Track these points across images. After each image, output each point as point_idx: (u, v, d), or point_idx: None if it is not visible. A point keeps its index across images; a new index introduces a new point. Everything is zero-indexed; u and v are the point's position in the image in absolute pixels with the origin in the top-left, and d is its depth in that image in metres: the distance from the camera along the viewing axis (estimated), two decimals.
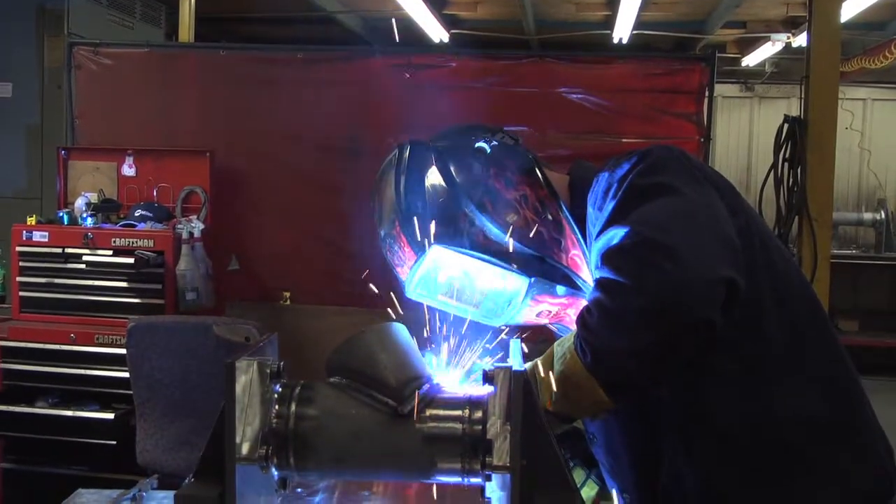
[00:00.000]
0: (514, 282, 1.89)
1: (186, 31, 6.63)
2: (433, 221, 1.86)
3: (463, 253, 1.86)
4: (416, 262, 1.88)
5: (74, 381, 4.91)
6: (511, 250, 1.87)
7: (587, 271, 1.94)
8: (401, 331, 1.70)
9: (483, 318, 1.93)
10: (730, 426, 1.80)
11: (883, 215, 10.46)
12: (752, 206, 1.94)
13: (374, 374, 1.59)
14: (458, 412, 1.55)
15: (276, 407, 1.57)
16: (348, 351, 1.64)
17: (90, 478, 4.49)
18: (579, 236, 1.96)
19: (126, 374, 4.28)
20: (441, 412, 1.56)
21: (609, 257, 1.70)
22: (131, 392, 4.20)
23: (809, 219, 5.11)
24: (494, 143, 1.98)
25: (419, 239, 1.86)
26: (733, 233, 1.75)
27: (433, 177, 1.92)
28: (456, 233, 1.86)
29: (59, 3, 6.88)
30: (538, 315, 1.96)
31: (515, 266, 1.87)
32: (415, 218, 1.87)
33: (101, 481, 4.21)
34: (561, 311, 1.95)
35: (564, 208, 1.96)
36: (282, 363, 1.61)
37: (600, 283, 1.70)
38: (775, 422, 1.80)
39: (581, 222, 1.97)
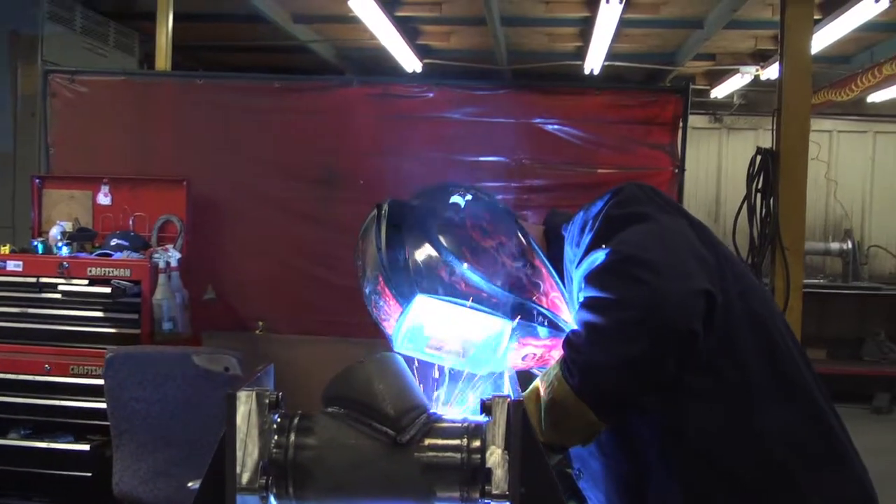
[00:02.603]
0: (497, 326, 1.92)
1: (163, 59, 6.61)
2: (415, 272, 1.91)
3: (446, 301, 1.89)
4: (401, 313, 1.91)
5: (48, 412, 4.86)
6: (492, 296, 1.91)
7: (568, 313, 1.99)
8: (397, 361, 1.71)
9: (471, 367, 1.96)
10: (713, 447, 1.84)
11: (850, 245, 10.59)
12: (721, 241, 2.00)
13: (372, 404, 1.60)
14: (457, 441, 1.57)
15: (276, 437, 1.58)
16: (346, 381, 1.65)
17: None
18: (557, 280, 2.02)
19: (101, 405, 4.24)
20: (440, 441, 1.58)
21: (592, 278, 1.77)
22: (106, 423, 4.15)
23: (782, 248, 5.18)
24: (469, 197, 2.04)
25: (403, 291, 1.90)
26: (707, 254, 1.81)
27: (412, 231, 1.97)
28: (438, 283, 1.90)
29: (34, 30, 6.86)
30: (524, 359, 1.99)
31: (498, 310, 1.91)
32: (398, 271, 1.92)
33: None
34: (545, 353, 1.99)
35: (541, 253, 2.03)
36: (280, 393, 1.61)
37: (585, 303, 1.75)
38: (757, 441, 1.84)
39: (559, 267, 2.03)
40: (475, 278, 1.91)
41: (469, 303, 1.90)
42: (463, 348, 1.95)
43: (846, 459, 1.91)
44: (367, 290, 2.00)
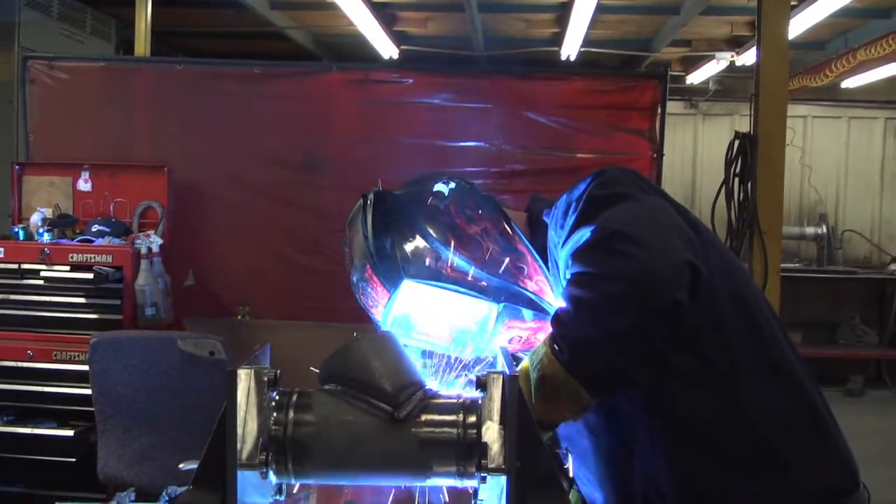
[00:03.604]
0: (484, 309, 1.96)
1: (142, 44, 6.59)
2: (402, 258, 1.96)
3: (432, 285, 1.94)
4: (389, 299, 1.95)
5: (32, 398, 4.86)
6: (478, 280, 1.95)
7: (552, 295, 2.03)
8: (393, 339, 1.75)
9: (458, 351, 2.00)
10: (699, 426, 1.88)
11: (824, 229, 10.70)
12: (702, 222, 2.04)
13: (369, 380, 1.63)
14: (453, 417, 1.60)
15: (275, 414, 1.60)
16: (343, 359, 1.68)
17: (49, 496, 4.43)
18: (541, 263, 2.07)
19: (84, 391, 4.25)
20: (436, 417, 1.61)
21: (578, 255, 1.81)
22: (89, 408, 4.16)
23: (760, 232, 5.23)
24: (452, 185, 2.10)
25: (390, 277, 1.94)
26: (690, 231, 1.86)
27: (398, 219, 2.02)
28: (424, 268, 1.95)
29: (10, 16, 6.80)
30: (510, 342, 2.03)
31: (484, 294, 1.95)
32: (385, 258, 1.96)
33: (59, 499, 4.17)
34: (531, 335, 2.02)
35: (524, 237, 2.08)
36: (278, 371, 1.64)
37: (572, 280, 1.78)
38: (743, 419, 1.88)
39: (542, 252, 2.08)
40: (461, 263, 1.95)
41: (455, 287, 1.94)
42: (450, 332, 1.99)
43: (830, 437, 1.96)
44: (354, 279, 2.04)
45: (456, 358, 1.97)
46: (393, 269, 1.95)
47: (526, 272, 2.04)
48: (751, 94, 5.47)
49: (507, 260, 2.01)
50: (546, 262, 2.07)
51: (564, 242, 1.91)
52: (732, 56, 9.53)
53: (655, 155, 5.53)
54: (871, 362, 10.71)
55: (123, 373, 3.96)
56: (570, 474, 1.74)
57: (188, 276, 5.59)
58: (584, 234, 1.82)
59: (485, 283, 1.95)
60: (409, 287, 1.93)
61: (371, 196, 2.04)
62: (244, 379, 1.57)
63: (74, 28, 7.59)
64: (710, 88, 11.26)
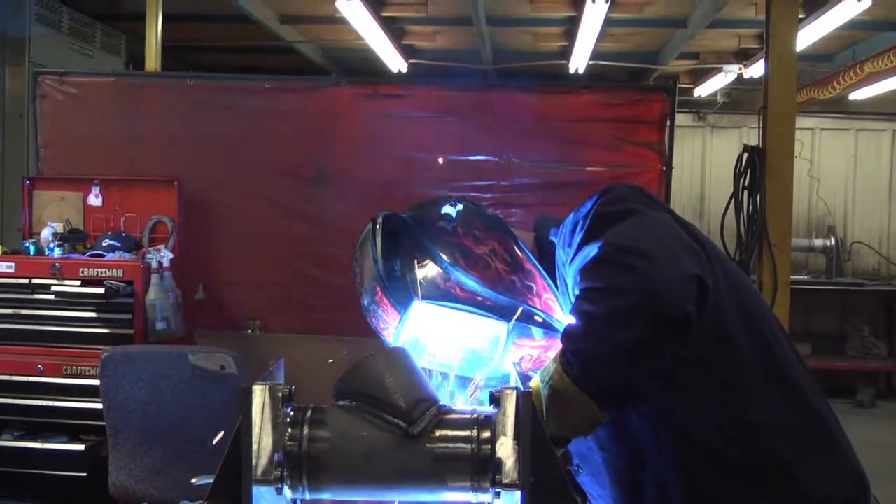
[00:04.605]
0: (494, 328, 1.98)
1: (152, 60, 6.62)
2: (411, 280, 1.98)
3: (442, 305, 1.95)
4: (400, 320, 1.96)
5: (42, 413, 4.88)
6: (487, 299, 1.96)
7: (561, 314, 2.04)
8: (407, 355, 1.75)
9: (469, 371, 2.01)
10: (707, 439, 1.88)
11: (833, 241, 10.68)
12: (709, 239, 2.05)
13: (383, 396, 1.63)
14: (467, 432, 1.60)
15: (289, 430, 1.61)
16: (357, 375, 1.68)
17: None
18: (550, 282, 2.08)
19: (95, 405, 4.25)
20: (450, 432, 1.61)
21: (586, 270, 1.81)
22: (100, 423, 4.16)
23: (769, 245, 5.24)
24: (460, 207, 2.11)
25: (400, 299, 1.96)
26: (696, 246, 1.86)
27: (407, 241, 2.05)
28: (434, 289, 1.96)
29: (21, 31, 6.85)
30: (520, 360, 2.03)
31: (493, 313, 1.96)
32: (395, 280, 1.99)
33: None
34: (541, 354, 2.03)
35: (532, 257, 2.10)
36: (293, 387, 1.65)
37: (581, 296, 1.79)
38: (751, 432, 1.88)
39: (551, 271, 2.09)
40: (470, 283, 1.96)
41: (465, 307, 1.95)
42: (461, 353, 2.00)
43: (839, 449, 1.95)
44: (365, 302, 2.06)
45: (468, 378, 1.98)
46: (403, 291, 1.96)
47: (535, 291, 2.05)
48: (759, 106, 5.48)
49: (515, 279, 2.03)
50: (555, 281, 2.08)
51: (572, 260, 1.92)
52: (740, 69, 9.55)
53: (664, 168, 5.53)
54: (881, 374, 10.68)
55: (134, 387, 3.97)
56: (583, 489, 1.74)
57: (198, 290, 5.60)
58: (592, 250, 1.83)
59: (494, 303, 1.97)
60: (419, 308, 1.94)
61: (380, 219, 2.07)
62: (259, 395, 1.58)
63: (84, 43, 7.64)
64: (719, 101, 11.28)
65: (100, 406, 4.10)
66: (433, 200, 2.18)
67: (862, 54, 8.79)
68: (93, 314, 4.95)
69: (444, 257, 1.99)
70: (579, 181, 5.47)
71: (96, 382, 4.11)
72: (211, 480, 1.57)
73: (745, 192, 5.50)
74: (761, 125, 5.38)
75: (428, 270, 1.99)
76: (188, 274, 5.40)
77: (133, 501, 4.05)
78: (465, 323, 1.96)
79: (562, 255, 2.02)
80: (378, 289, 1.98)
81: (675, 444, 1.89)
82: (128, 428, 4.03)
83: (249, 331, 5.49)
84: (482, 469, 1.57)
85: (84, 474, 4.67)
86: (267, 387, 1.60)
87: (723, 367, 1.89)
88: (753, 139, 5.65)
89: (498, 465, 1.56)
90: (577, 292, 1.82)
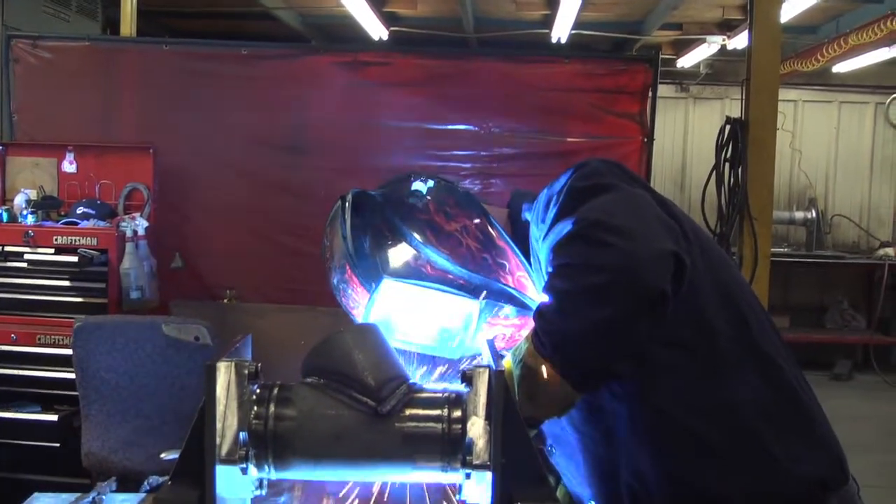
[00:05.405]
0: (465, 306, 1.94)
1: (128, 24, 6.52)
2: (381, 258, 1.95)
3: (412, 284, 1.92)
4: (369, 299, 1.92)
5: (15, 382, 4.84)
6: (458, 277, 1.93)
7: (534, 291, 2.01)
8: (376, 331, 1.71)
9: (442, 352, 1.98)
10: (682, 417, 1.85)
11: (813, 214, 10.71)
12: (686, 215, 2.01)
13: (352, 374, 1.59)
14: (438, 411, 1.56)
15: (255, 408, 1.56)
16: (325, 352, 1.64)
17: (33, 481, 4.39)
18: (523, 259, 2.04)
19: (69, 375, 4.22)
20: (420, 411, 1.57)
21: (559, 247, 1.76)
22: (74, 393, 4.13)
23: (750, 218, 5.22)
24: (430, 183, 2.09)
25: (370, 277, 1.92)
26: (672, 223, 1.82)
27: (377, 219, 2.02)
28: (404, 267, 1.94)
29: None
30: (493, 340, 1.99)
31: (465, 291, 1.93)
32: (364, 258, 1.95)
33: (43, 485, 4.13)
34: (515, 332, 2.00)
35: (505, 234, 2.06)
36: (259, 364, 1.60)
37: (554, 273, 1.75)
38: (727, 410, 1.85)
39: (525, 248, 2.05)
40: (441, 261, 1.93)
41: (435, 285, 1.91)
42: (433, 332, 1.96)
43: (815, 428, 1.93)
44: (335, 281, 2.02)
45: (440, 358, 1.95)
46: (372, 269, 1.93)
47: (507, 268, 2.02)
48: (742, 78, 5.44)
49: (487, 256, 2.00)
50: (528, 258, 2.04)
51: (546, 236, 1.87)
52: (724, 40, 9.50)
53: (646, 139, 5.50)
54: (859, 347, 10.72)
55: (107, 357, 3.93)
56: (556, 470, 1.71)
57: (175, 258, 5.55)
58: (566, 226, 1.77)
59: (466, 281, 1.93)
60: (388, 286, 1.90)
61: (349, 197, 2.03)
62: (224, 372, 1.53)
63: (60, 7, 7.50)
64: (701, 72, 11.22)
65: (73, 376, 4.06)
66: (403, 177, 2.15)
67: (846, 26, 8.75)
68: (66, 283, 4.90)
69: (415, 235, 1.95)
70: (560, 151, 5.43)
71: (70, 352, 4.06)
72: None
73: (727, 165, 5.47)
74: (744, 97, 5.35)
75: (398, 248, 1.96)
76: (164, 243, 5.36)
77: (106, 473, 4.01)
78: (437, 301, 1.92)
79: (535, 231, 1.98)
80: (347, 267, 1.94)
81: (651, 424, 1.86)
82: (100, 398, 3.99)
83: (225, 300, 5.44)
84: (452, 449, 1.53)
85: (57, 445, 4.64)
86: (232, 363, 1.56)
87: (700, 347, 1.86)
88: (736, 111, 5.63)
89: (469, 445, 1.52)
90: (550, 269, 1.78)
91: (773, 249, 5.79)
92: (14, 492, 2.67)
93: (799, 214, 10.81)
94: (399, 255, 1.95)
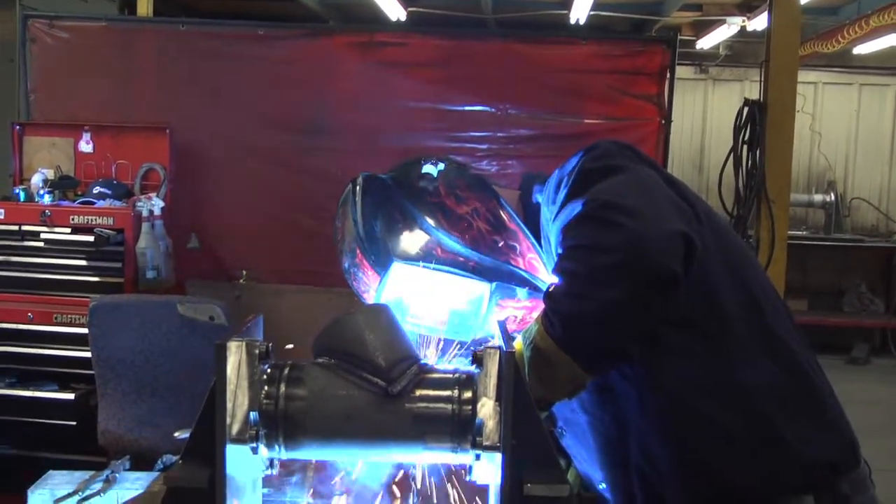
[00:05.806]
0: (476, 289, 1.94)
1: (145, 4, 6.51)
2: (391, 241, 1.95)
3: (423, 267, 1.91)
4: (380, 282, 1.93)
5: (32, 361, 4.87)
6: (469, 259, 1.92)
7: (545, 273, 2.01)
8: (388, 312, 1.70)
9: (454, 335, 1.98)
10: (694, 400, 1.85)
11: (832, 197, 10.64)
12: (700, 197, 2.00)
13: (363, 354, 1.59)
14: (448, 392, 1.56)
15: (266, 388, 1.57)
16: (337, 332, 1.64)
17: (49, 459, 4.42)
18: (534, 241, 2.05)
19: (85, 354, 4.23)
20: (431, 392, 1.57)
21: (570, 227, 1.77)
22: (91, 372, 4.15)
23: (768, 200, 5.18)
24: (441, 166, 2.08)
25: (380, 260, 1.93)
26: (684, 205, 1.82)
27: (388, 202, 2.01)
28: (415, 250, 1.94)
29: None
30: (504, 322, 1.99)
31: (476, 274, 1.92)
32: (375, 241, 1.96)
33: (59, 462, 4.16)
34: (526, 314, 2.00)
35: (516, 216, 2.07)
36: (270, 344, 1.60)
37: (564, 254, 1.74)
38: (739, 394, 1.85)
39: (536, 230, 2.05)
40: (451, 243, 1.93)
41: (446, 267, 1.90)
42: (444, 314, 1.96)
43: (827, 411, 1.93)
44: (346, 265, 2.04)
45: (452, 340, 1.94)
46: (383, 253, 1.93)
47: (518, 250, 2.02)
48: (761, 60, 5.40)
49: (498, 239, 2.00)
50: (539, 241, 2.03)
51: (556, 217, 1.87)
52: (743, 21, 9.42)
53: (663, 121, 5.45)
54: (877, 331, 10.67)
55: (123, 337, 3.95)
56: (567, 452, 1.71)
57: (191, 239, 5.56)
58: (576, 207, 1.77)
59: (476, 263, 1.93)
60: (399, 269, 1.90)
61: (360, 180, 2.03)
62: (234, 352, 1.53)
63: None
64: (721, 53, 11.15)
65: (90, 355, 4.08)
66: (414, 160, 2.14)
67: (867, 8, 8.65)
68: (83, 262, 4.91)
69: (426, 218, 1.95)
70: (576, 133, 5.40)
71: (86, 331, 4.08)
72: None
73: (745, 147, 5.43)
74: (762, 79, 5.30)
75: (409, 231, 1.96)
76: (179, 223, 5.36)
77: (122, 451, 4.03)
78: (448, 284, 1.92)
79: (546, 212, 1.97)
80: (358, 250, 1.94)
81: (661, 406, 1.86)
82: (116, 378, 4.01)
83: (241, 281, 5.45)
84: (463, 430, 1.53)
85: (74, 423, 4.66)
86: (243, 343, 1.56)
87: (711, 329, 1.85)
88: (755, 92, 5.57)
89: (479, 426, 1.52)
90: (560, 250, 1.77)
91: (791, 232, 5.77)
92: (31, 469, 2.69)
93: (818, 197, 10.74)
94: (410, 238, 1.95)
